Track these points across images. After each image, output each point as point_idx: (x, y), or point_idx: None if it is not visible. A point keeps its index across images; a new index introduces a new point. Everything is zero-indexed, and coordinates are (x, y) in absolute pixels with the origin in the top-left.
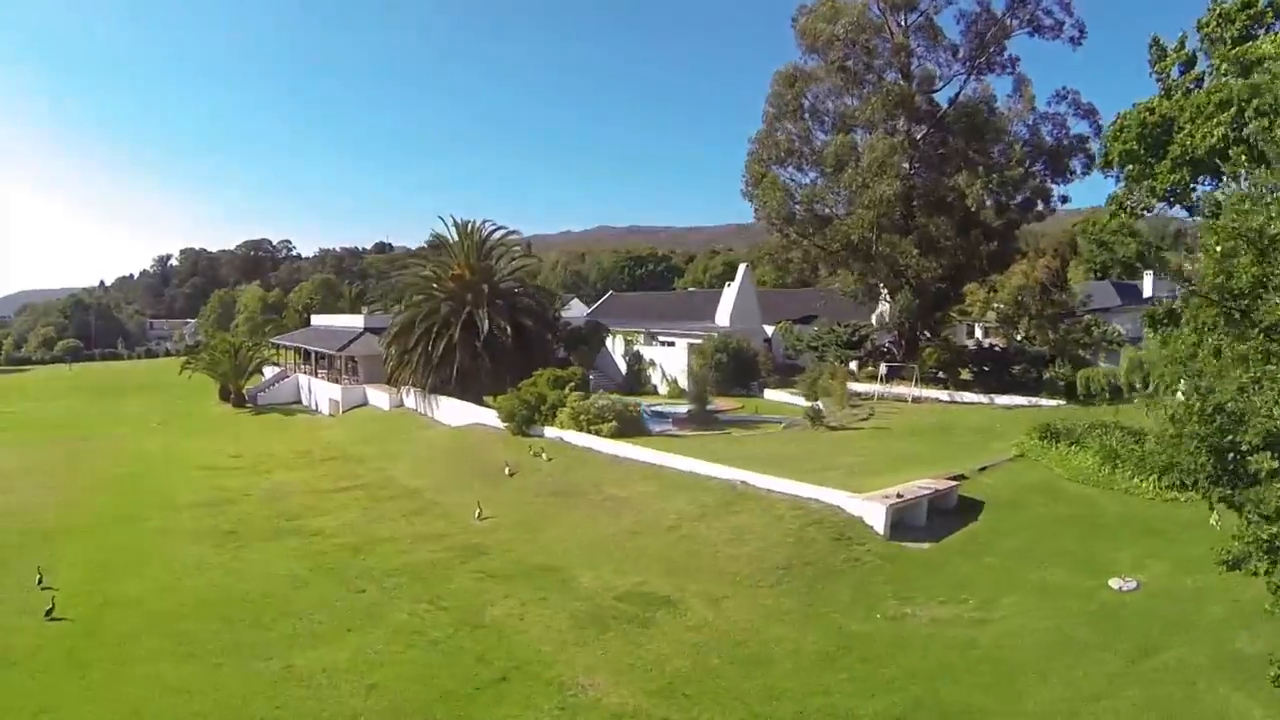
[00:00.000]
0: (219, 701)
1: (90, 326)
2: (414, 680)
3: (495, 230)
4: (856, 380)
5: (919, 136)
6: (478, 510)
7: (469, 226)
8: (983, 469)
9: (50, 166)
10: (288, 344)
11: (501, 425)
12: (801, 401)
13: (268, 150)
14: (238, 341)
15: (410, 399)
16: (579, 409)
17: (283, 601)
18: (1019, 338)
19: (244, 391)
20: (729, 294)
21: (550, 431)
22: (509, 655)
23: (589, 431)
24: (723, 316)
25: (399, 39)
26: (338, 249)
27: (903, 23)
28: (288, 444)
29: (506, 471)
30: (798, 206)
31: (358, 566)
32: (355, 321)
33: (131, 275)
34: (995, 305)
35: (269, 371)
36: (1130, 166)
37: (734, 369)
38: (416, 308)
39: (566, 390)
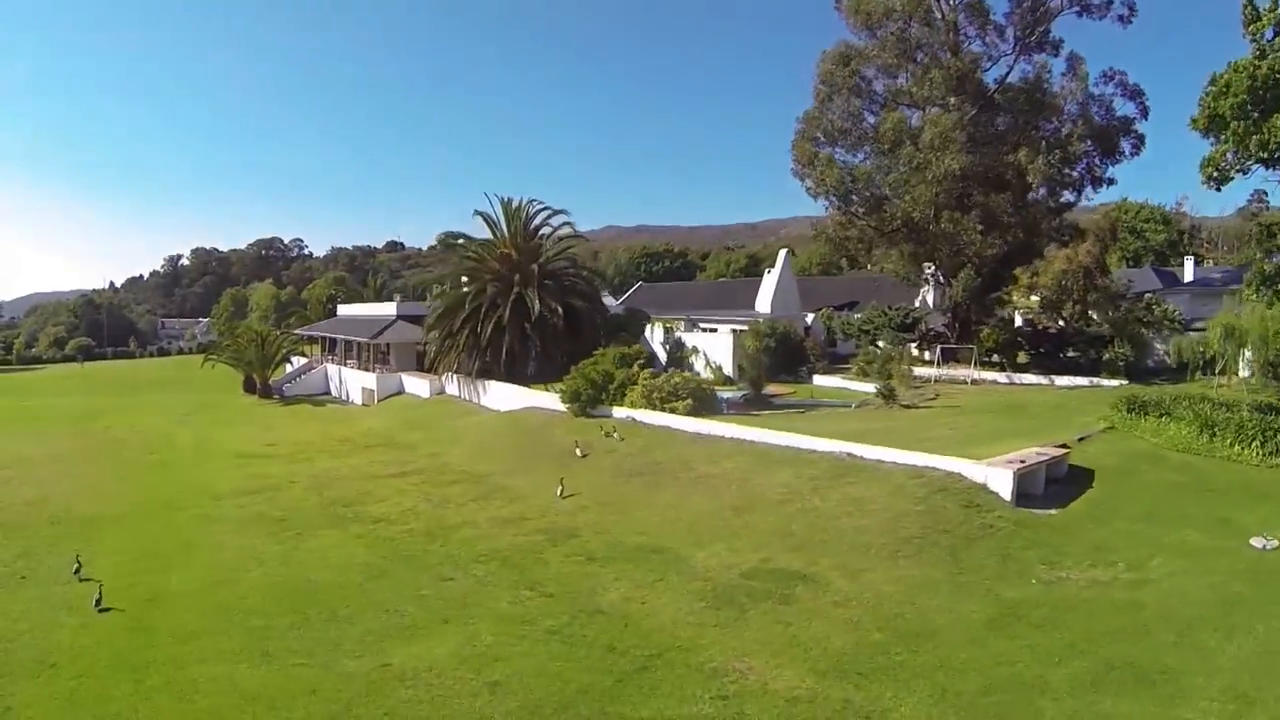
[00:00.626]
0: (313, 711)
1: (101, 326)
2: (540, 675)
3: (541, 210)
4: (911, 363)
5: (968, 117)
6: (559, 488)
7: (515, 205)
8: (1081, 439)
9: (57, 167)
10: (315, 334)
11: (562, 407)
12: (855, 386)
13: (279, 149)
14: (264, 330)
15: (452, 385)
16: (652, 386)
17: (360, 593)
18: (1064, 321)
19: (269, 383)
20: (769, 281)
21: (619, 412)
22: (644, 642)
23: (663, 410)
24: (763, 303)
25: (405, 40)
26: (350, 247)
27: (951, 1)
28: (325, 432)
29: (578, 452)
30: (855, 184)
31: (437, 553)
32: (387, 310)
33: (142, 276)
34: (1039, 289)
35: (294, 363)
36: (1236, 124)
37: (782, 354)
38: (463, 290)
39: (634, 368)
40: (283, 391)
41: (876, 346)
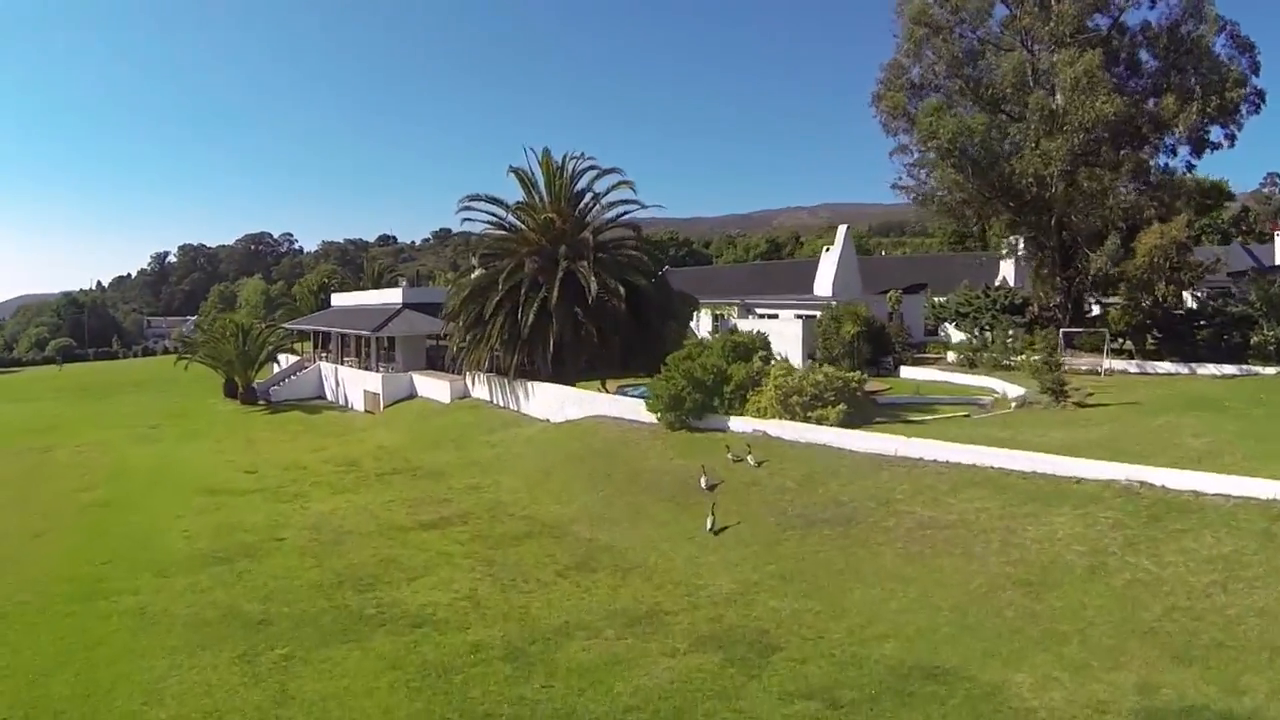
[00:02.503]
0: None
1: (84, 326)
2: None
3: (588, 166)
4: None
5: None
6: (710, 520)
7: (559, 161)
8: None
9: (45, 167)
10: (305, 327)
11: (649, 417)
12: (961, 379)
13: (267, 143)
14: (245, 323)
15: (480, 387)
16: (788, 387)
17: None
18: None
19: (253, 385)
20: (828, 260)
21: (739, 423)
22: None
23: (806, 419)
24: (823, 286)
25: (399, 37)
26: (341, 241)
27: None
28: (322, 451)
29: (703, 483)
30: (971, 138)
31: (540, 704)
32: (390, 297)
33: (129, 275)
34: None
35: (283, 361)
36: None
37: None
38: (494, 266)
39: (756, 361)
40: (269, 395)
41: (980, 331)
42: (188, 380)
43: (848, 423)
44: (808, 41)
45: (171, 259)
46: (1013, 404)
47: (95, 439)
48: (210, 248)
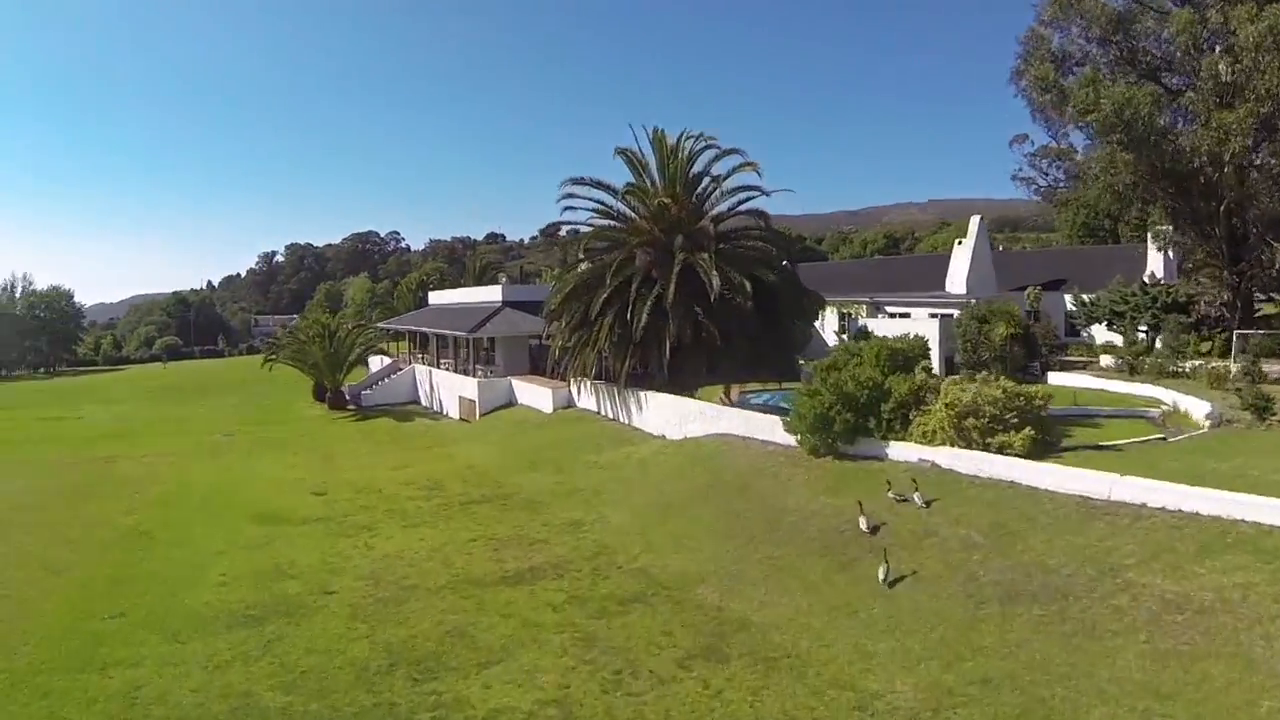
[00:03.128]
0: None
1: (190, 324)
2: None
3: (705, 146)
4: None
5: None
6: (883, 571)
7: (676, 140)
8: None
9: (160, 169)
10: (400, 327)
11: (785, 438)
12: (1120, 388)
13: (375, 143)
14: (332, 322)
15: (587, 396)
16: (965, 406)
17: None
18: None
19: (342, 389)
20: (961, 254)
21: (899, 449)
22: None
23: (985, 447)
24: (956, 282)
25: (505, 21)
26: (448, 239)
27: None
28: (404, 468)
29: (863, 525)
30: (1136, 111)
31: None
32: (489, 295)
33: (239, 275)
34: None
35: (376, 364)
36: None
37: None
38: (600, 259)
39: (919, 373)
40: (360, 399)
41: (1139, 333)
42: (281, 381)
43: (1033, 451)
44: (909, 33)
45: (279, 258)
46: (1205, 423)
47: (166, 448)
48: (317, 247)
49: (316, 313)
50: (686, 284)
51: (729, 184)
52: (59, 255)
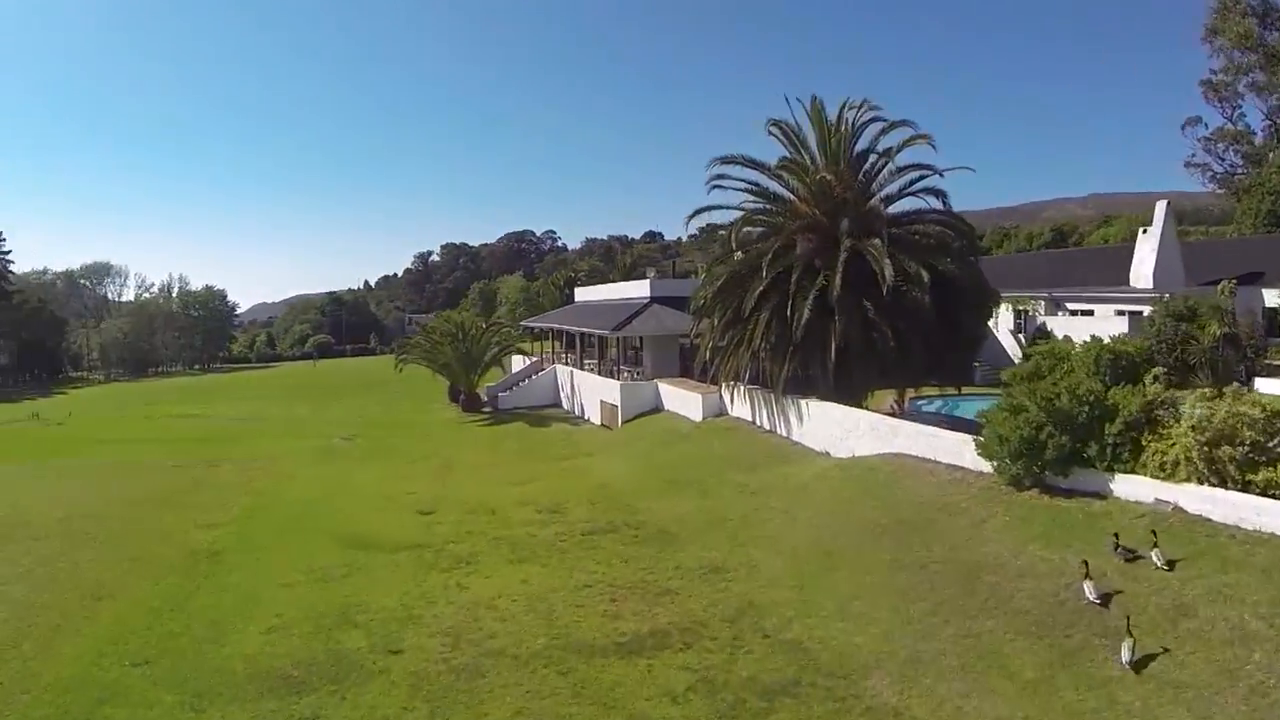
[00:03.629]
0: None
1: (342, 323)
2: None
3: (870, 118)
4: None
5: None
6: (1129, 647)
7: (837, 112)
8: None
9: (321, 174)
10: (542, 325)
11: (978, 461)
12: None
13: (532, 143)
14: (466, 320)
15: (740, 404)
16: (1218, 429)
17: None
18: None
19: (477, 391)
20: (1146, 245)
21: (1127, 484)
22: None
23: (1245, 486)
24: (1142, 276)
25: (662, 15)
26: (605, 237)
27: None
28: (529, 484)
29: (1089, 594)
30: None
31: None
32: (637, 290)
33: (396, 274)
34: None
35: (518, 363)
36: None
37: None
38: (754, 248)
39: (1153, 386)
40: (496, 401)
41: None
42: (419, 381)
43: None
44: (1061, 20)
45: (435, 258)
46: None
47: (277, 450)
48: (473, 246)
49: (476, 312)
50: (854, 275)
51: (899, 160)
52: (225, 255)
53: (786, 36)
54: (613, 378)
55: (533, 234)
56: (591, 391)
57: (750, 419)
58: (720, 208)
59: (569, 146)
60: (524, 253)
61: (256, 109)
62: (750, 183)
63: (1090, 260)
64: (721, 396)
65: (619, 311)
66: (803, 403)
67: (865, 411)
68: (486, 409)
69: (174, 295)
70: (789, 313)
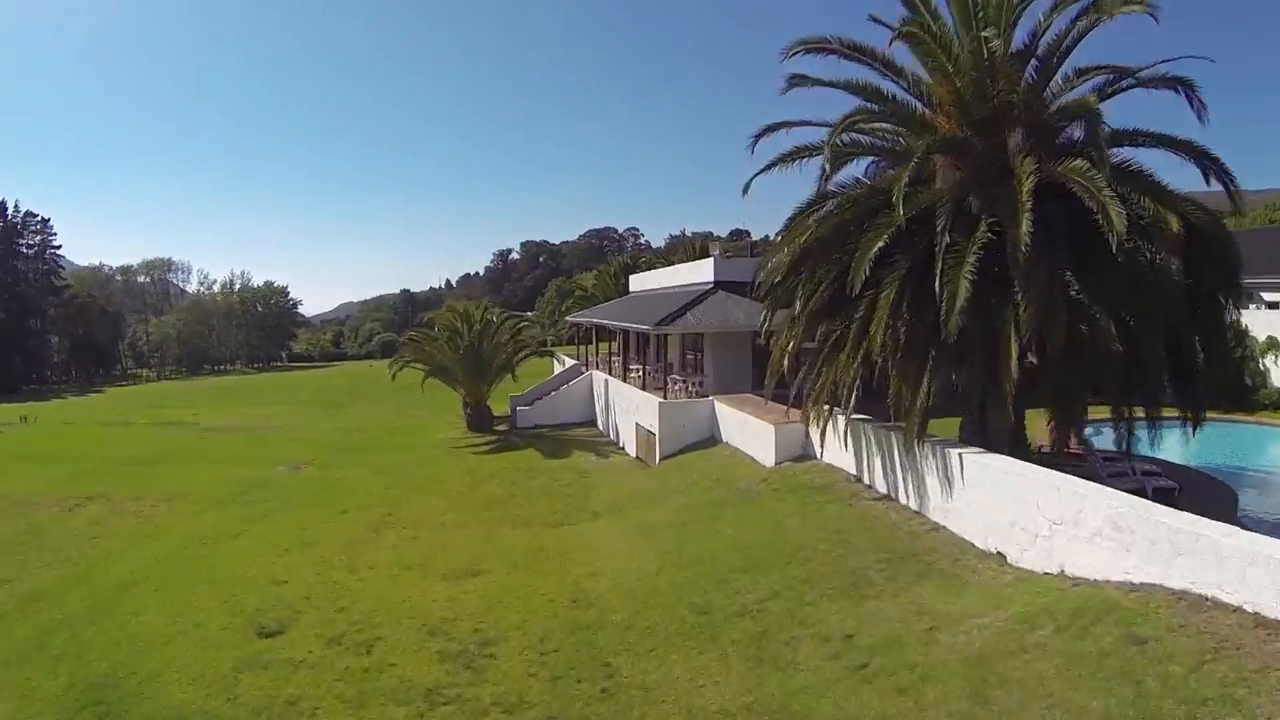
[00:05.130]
0: None
1: (409, 322)
2: None
3: None
4: None
5: None
6: None
7: None
8: None
9: (405, 174)
10: (584, 320)
11: None
12: None
13: (616, 138)
14: (474, 311)
15: (834, 442)
16: None
17: None
18: None
19: (486, 404)
20: None
21: None
22: None
23: None
24: None
25: (747, 31)
26: (688, 234)
27: None
28: (466, 576)
29: None
30: None
31: None
32: (697, 273)
33: (477, 273)
34: None
35: (557, 368)
36: None
37: None
38: (859, 188)
39: None
40: (515, 418)
41: None
42: (445, 389)
43: None
44: None
45: (515, 256)
46: None
47: (192, 484)
48: (553, 244)
49: (556, 306)
50: (1047, 225)
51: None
52: (315, 255)
53: None
54: (653, 391)
55: (615, 230)
56: (627, 408)
57: (853, 471)
58: (803, 124)
59: (650, 143)
60: (605, 250)
61: (343, 108)
62: (853, 83)
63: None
64: (807, 429)
65: (673, 301)
66: (953, 454)
67: (1097, 488)
68: (500, 427)
69: (235, 291)
70: (939, 286)
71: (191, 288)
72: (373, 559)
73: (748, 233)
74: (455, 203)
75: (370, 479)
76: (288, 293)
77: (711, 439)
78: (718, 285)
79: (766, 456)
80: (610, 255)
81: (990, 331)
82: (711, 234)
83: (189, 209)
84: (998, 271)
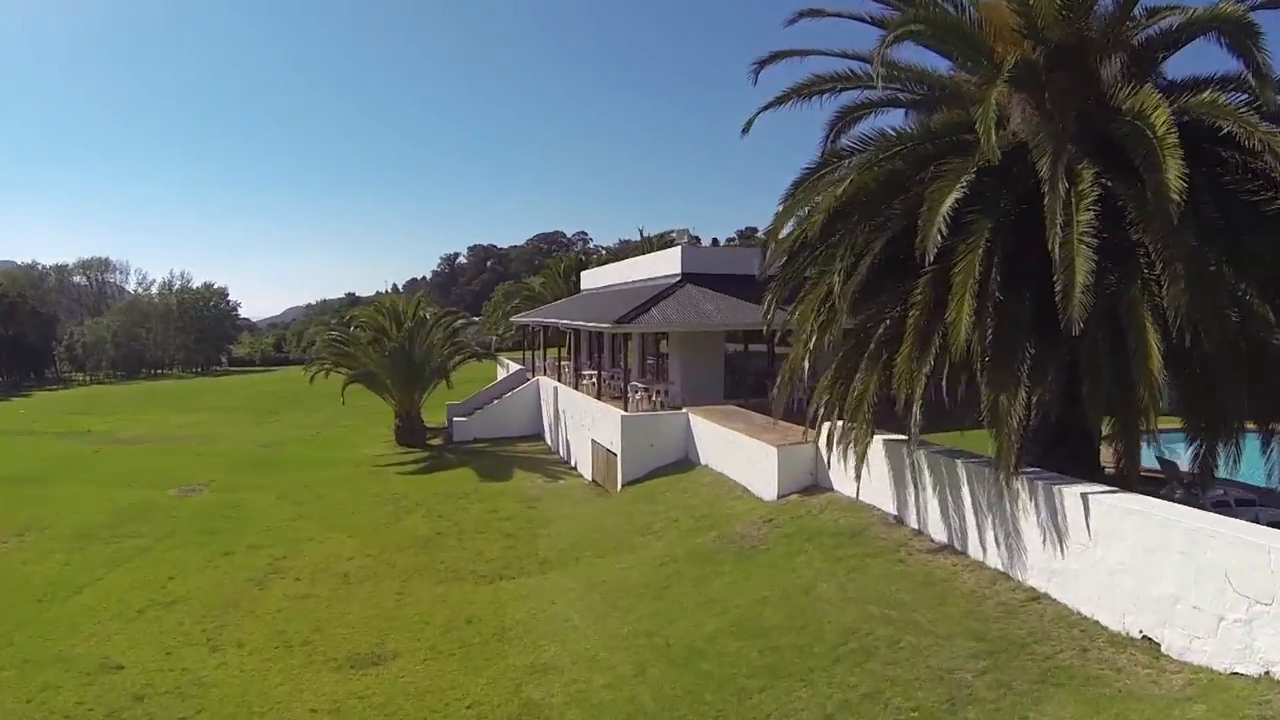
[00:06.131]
0: None
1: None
2: None
3: None
4: None
5: None
6: None
7: None
8: None
9: (345, 172)
10: (533, 321)
11: None
12: None
13: (567, 141)
14: (405, 308)
15: (866, 471)
16: None
17: None
18: None
19: (417, 414)
20: None
21: None
22: None
23: None
24: None
25: (696, 28)
26: (636, 239)
27: None
28: (366, 667)
29: None
30: None
31: None
32: (660, 265)
33: (424, 278)
34: None
35: (501, 373)
36: None
37: None
38: (898, 136)
39: None
40: (451, 431)
41: None
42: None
43: None
44: None
45: (462, 260)
46: None
47: (36, 519)
48: (500, 248)
49: (503, 312)
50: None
51: None
52: (261, 258)
53: None
54: (610, 401)
55: (563, 235)
56: (581, 422)
57: (891, 509)
58: (816, 53)
59: (600, 145)
60: (553, 253)
61: (289, 109)
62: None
63: None
64: (828, 452)
65: (635, 297)
66: (1072, 495)
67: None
68: (434, 441)
69: (173, 292)
70: (1052, 254)
71: (131, 288)
72: (245, 631)
73: (697, 238)
74: (404, 207)
75: (273, 506)
76: (227, 294)
77: (686, 460)
78: (686, 278)
79: (766, 487)
80: (559, 258)
81: (1112, 318)
82: (668, 233)
83: (134, 209)
84: (1108, 239)
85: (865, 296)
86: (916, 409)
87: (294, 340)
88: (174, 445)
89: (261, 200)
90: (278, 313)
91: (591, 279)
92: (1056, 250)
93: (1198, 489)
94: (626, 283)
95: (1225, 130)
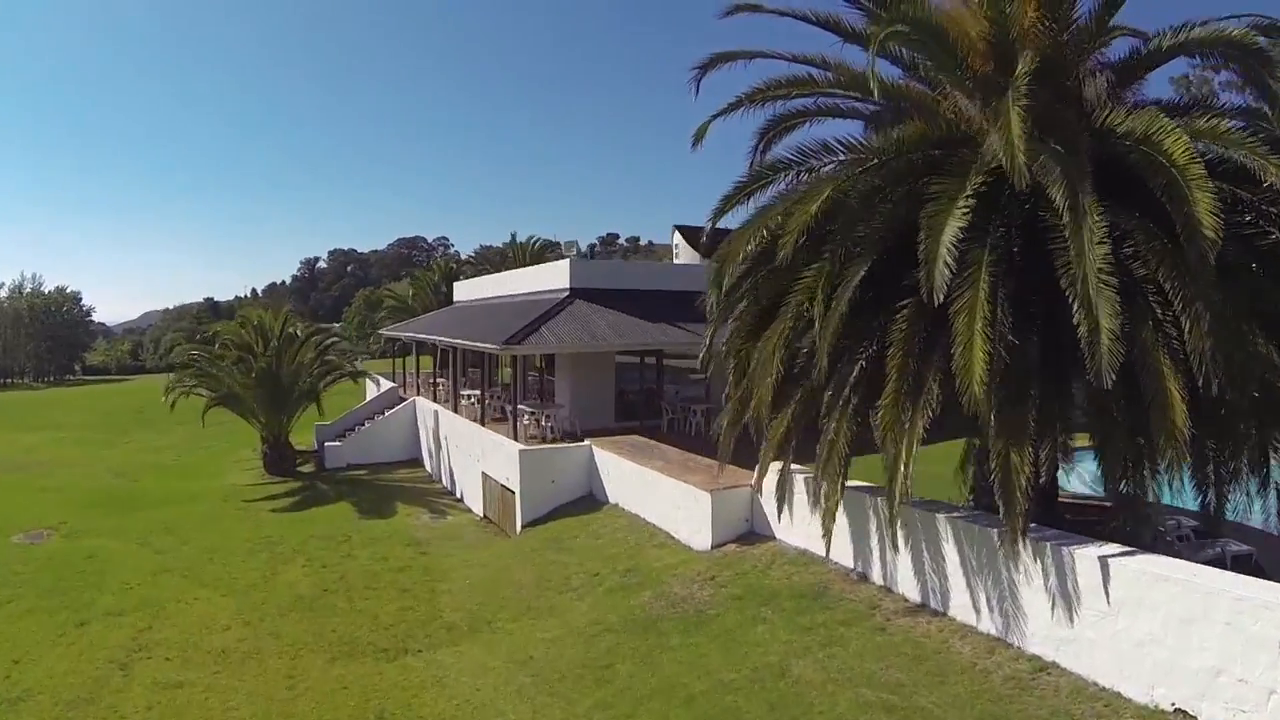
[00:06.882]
0: None
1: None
2: None
3: None
4: None
5: None
6: None
7: None
8: None
9: (203, 173)
10: (402, 335)
11: None
12: None
13: (422, 148)
14: (272, 323)
15: (815, 516)
16: None
17: None
18: None
19: (286, 438)
20: None
21: None
22: None
23: None
24: None
25: (556, 25)
26: (499, 245)
27: None
28: None
29: None
30: None
31: None
32: (547, 278)
33: (284, 282)
34: None
35: (371, 390)
36: None
37: None
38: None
39: None
40: (324, 456)
41: None
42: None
43: None
44: None
45: (321, 264)
46: None
47: None
48: (361, 252)
49: (363, 316)
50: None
51: None
52: (116, 260)
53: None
54: (493, 424)
55: (424, 240)
56: (468, 452)
57: (849, 563)
58: (760, 55)
59: (457, 150)
60: (414, 259)
61: (140, 107)
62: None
63: None
64: (755, 492)
65: (522, 313)
66: (1089, 559)
67: None
68: (305, 467)
69: (23, 296)
70: (1068, 290)
71: None
72: None
73: (557, 244)
74: (262, 209)
75: (132, 555)
76: (80, 299)
77: (591, 498)
78: (575, 293)
79: (696, 536)
80: (420, 264)
81: (1124, 364)
82: (536, 238)
83: None
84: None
85: (851, 324)
86: (906, 467)
87: (151, 347)
88: (15, 475)
89: (112, 200)
90: (134, 316)
91: (466, 291)
92: (1078, 289)
93: (1186, 533)
94: (508, 296)
95: (1238, 160)
